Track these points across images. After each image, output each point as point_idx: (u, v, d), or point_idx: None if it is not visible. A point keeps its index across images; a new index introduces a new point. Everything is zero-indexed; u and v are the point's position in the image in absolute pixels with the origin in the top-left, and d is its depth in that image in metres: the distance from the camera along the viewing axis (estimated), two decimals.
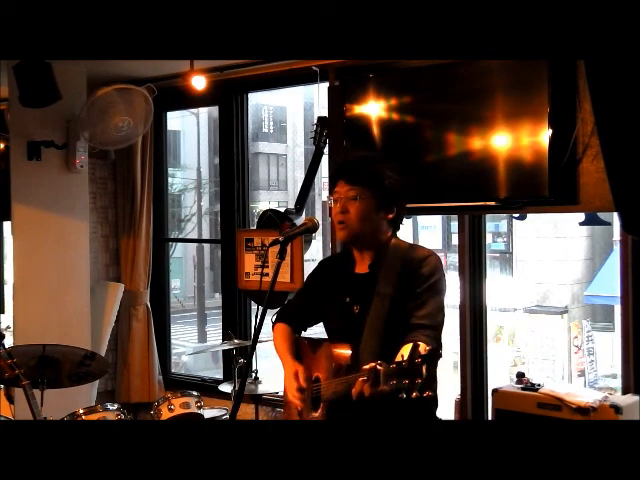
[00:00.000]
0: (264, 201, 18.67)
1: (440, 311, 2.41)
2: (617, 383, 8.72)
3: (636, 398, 3.30)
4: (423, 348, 1.98)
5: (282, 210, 4.50)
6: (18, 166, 4.44)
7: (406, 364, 1.95)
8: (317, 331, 2.77)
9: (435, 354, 1.98)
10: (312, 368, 2.57)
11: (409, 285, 2.41)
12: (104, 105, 4.33)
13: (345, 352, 2.43)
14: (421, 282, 2.39)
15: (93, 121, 4.34)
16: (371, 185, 2.44)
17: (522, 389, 3.44)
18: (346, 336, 2.46)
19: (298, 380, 2.48)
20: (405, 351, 2.16)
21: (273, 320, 2.79)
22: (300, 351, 2.67)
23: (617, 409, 3.16)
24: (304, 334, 2.78)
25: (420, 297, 2.38)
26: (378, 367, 2.02)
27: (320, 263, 2.78)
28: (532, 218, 10.11)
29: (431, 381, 1.95)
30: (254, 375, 4.06)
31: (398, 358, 2.07)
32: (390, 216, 2.50)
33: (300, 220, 4.25)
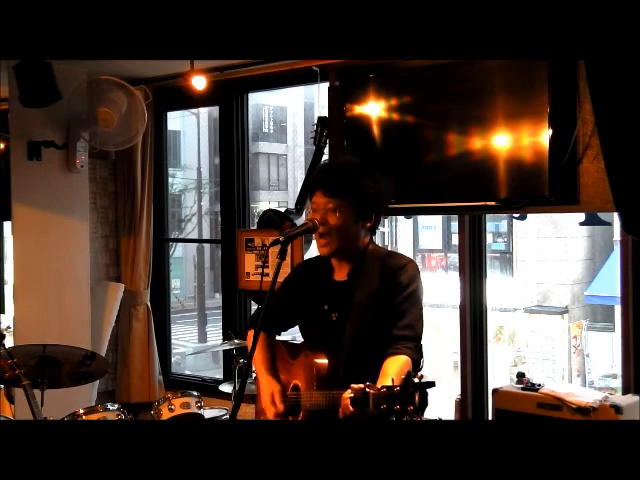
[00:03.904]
0: (264, 201, 18.68)
1: (420, 320, 2.41)
2: (617, 383, 8.73)
3: (636, 398, 3.30)
4: (417, 376, 1.97)
5: (282, 210, 4.50)
6: (18, 166, 4.44)
7: (398, 390, 1.95)
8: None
9: (428, 384, 1.97)
10: (291, 374, 2.56)
11: (388, 294, 2.41)
12: (104, 96, 4.34)
13: (323, 361, 2.42)
14: (400, 291, 2.40)
15: (90, 108, 4.35)
16: (350, 196, 2.42)
17: (522, 389, 3.44)
18: (324, 344, 2.45)
19: (276, 405, 2.48)
20: (392, 369, 2.22)
21: (247, 325, 2.79)
22: (276, 356, 2.66)
23: (617, 409, 3.16)
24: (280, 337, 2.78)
25: (400, 307, 2.38)
26: (367, 390, 2.02)
27: (297, 267, 2.74)
28: (532, 218, 10.12)
29: (423, 407, 1.95)
30: (254, 375, 4.05)
31: (387, 382, 2.08)
32: (368, 224, 2.49)
33: (300, 220, 4.24)
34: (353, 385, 2.09)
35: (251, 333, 2.70)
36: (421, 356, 2.39)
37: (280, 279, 2.38)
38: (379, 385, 2.09)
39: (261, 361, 2.64)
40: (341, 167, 2.57)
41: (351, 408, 2.08)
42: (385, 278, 2.43)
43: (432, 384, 1.97)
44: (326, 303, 2.51)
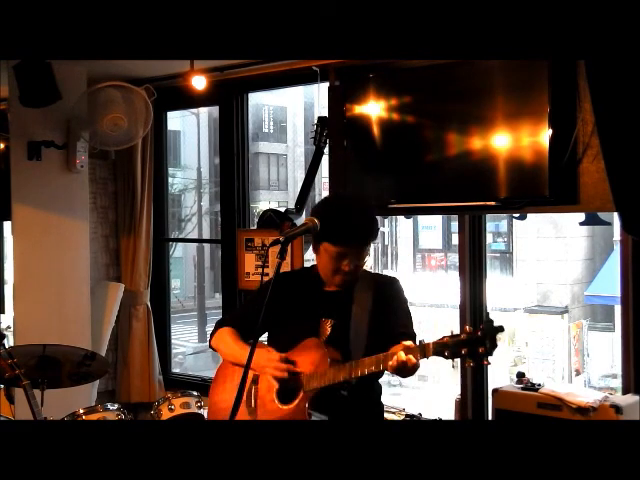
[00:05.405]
0: (264, 201, 18.69)
1: (413, 327, 2.62)
2: (617, 383, 8.73)
3: (636, 398, 3.30)
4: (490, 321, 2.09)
5: (282, 210, 4.50)
6: (18, 166, 4.44)
7: (465, 336, 2.08)
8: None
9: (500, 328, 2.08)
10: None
11: (385, 302, 2.59)
12: (102, 100, 4.34)
13: (335, 351, 2.49)
14: (397, 302, 2.63)
15: (91, 116, 4.34)
16: (373, 240, 2.65)
17: (522, 389, 3.44)
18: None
19: (272, 352, 2.54)
20: (404, 343, 2.32)
21: (214, 326, 2.85)
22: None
23: (617, 409, 3.16)
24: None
25: (398, 312, 2.60)
26: (424, 342, 2.19)
27: (278, 277, 2.52)
28: (532, 218, 10.13)
29: (493, 349, 2.06)
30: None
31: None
32: None
33: (300, 220, 4.24)
34: (405, 342, 2.25)
35: (223, 329, 2.77)
36: None
37: None
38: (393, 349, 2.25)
39: (242, 343, 2.68)
40: (364, 216, 2.57)
41: (413, 360, 2.19)
42: (379, 291, 2.61)
43: (501, 328, 2.07)
44: (318, 310, 2.61)
